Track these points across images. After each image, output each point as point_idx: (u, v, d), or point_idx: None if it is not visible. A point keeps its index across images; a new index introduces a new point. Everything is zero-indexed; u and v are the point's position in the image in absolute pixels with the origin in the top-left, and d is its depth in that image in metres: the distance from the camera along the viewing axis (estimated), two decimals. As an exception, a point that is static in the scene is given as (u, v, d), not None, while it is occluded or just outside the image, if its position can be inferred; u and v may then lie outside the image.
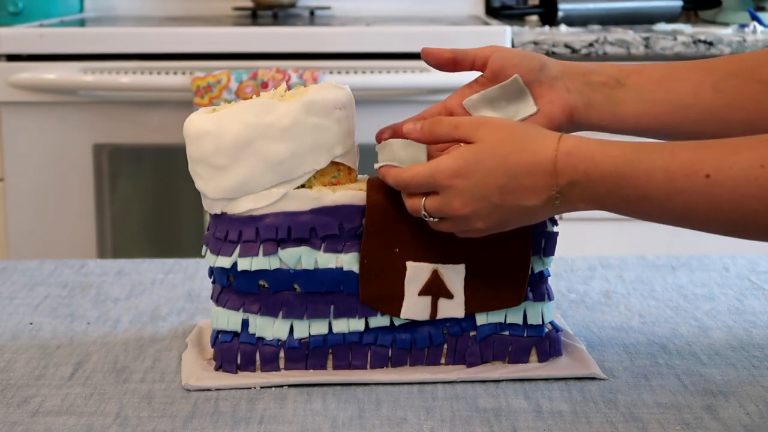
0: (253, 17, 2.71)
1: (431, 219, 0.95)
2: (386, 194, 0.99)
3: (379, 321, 1.02)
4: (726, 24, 2.62)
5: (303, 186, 1.00)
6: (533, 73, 1.01)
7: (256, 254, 0.99)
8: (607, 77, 1.02)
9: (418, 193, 0.96)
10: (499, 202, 0.92)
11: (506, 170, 0.92)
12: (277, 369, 1.02)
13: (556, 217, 1.01)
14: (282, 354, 1.02)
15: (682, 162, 0.87)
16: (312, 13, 2.74)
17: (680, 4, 2.62)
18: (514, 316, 1.03)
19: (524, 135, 0.93)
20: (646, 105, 1.02)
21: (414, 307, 1.01)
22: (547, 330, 1.04)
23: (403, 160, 0.98)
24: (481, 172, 0.92)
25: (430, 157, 0.99)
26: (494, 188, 0.92)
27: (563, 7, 2.54)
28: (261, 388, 1.00)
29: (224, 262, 1.00)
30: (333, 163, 1.01)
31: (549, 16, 2.59)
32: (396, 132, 1.02)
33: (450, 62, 1.03)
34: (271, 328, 1.01)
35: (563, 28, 2.49)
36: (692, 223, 0.89)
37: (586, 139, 0.92)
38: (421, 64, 2.24)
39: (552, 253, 1.03)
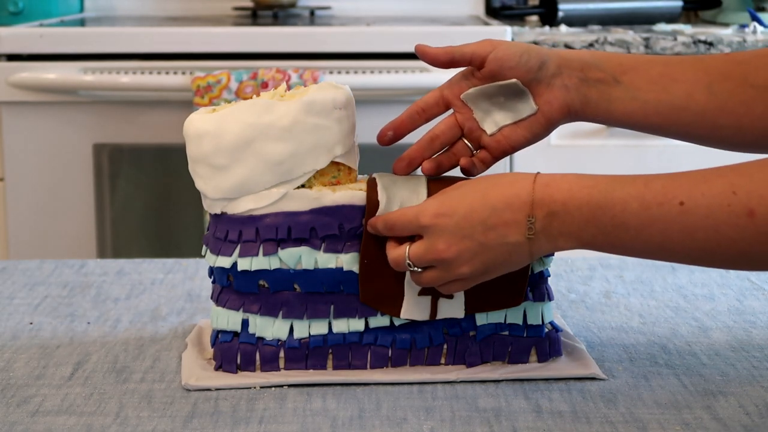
0: (253, 17, 2.71)
1: (416, 269, 0.96)
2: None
3: (379, 321, 1.02)
4: (726, 24, 2.62)
5: (303, 186, 1.01)
6: (532, 73, 1.01)
7: (256, 254, 0.99)
8: (605, 74, 1.02)
9: (403, 243, 0.97)
10: (482, 239, 0.93)
11: (486, 203, 0.93)
12: (277, 369, 1.02)
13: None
14: (282, 354, 1.02)
15: (656, 191, 0.88)
16: (312, 13, 2.74)
17: (680, 4, 2.62)
18: (514, 316, 1.03)
19: (502, 173, 0.96)
20: (639, 104, 1.02)
21: (414, 307, 1.01)
22: (546, 330, 1.04)
23: (403, 194, 0.99)
24: (463, 207, 0.94)
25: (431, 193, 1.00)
26: (477, 224, 0.93)
27: (563, 7, 2.54)
28: (261, 388, 1.00)
29: (224, 262, 1.00)
30: (333, 163, 1.01)
31: (549, 16, 2.59)
32: (397, 131, 1.02)
33: (446, 63, 1.03)
34: (271, 328, 1.01)
35: (563, 28, 2.49)
36: (669, 253, 0.90)
37: (561, 174, 0.93)
38: (422, 64, 2.24)
39: (552, 254, 1.03)
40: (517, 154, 2.36)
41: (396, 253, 0.97)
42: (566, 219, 0.91)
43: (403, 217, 0.96)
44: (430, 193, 0.99)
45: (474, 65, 1.03)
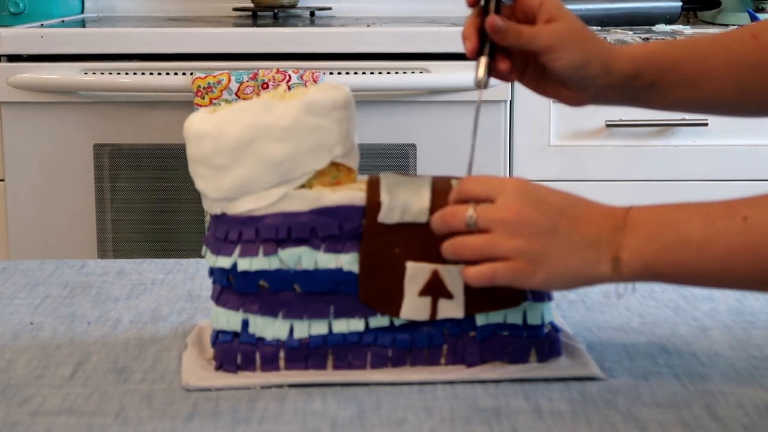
0: (254, 18, 2.71)
1: (471, 226, 0.94)
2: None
3: (379, 321, 1.02)
4: (726, 25, 2.62)
5: (303, 186, 1.01)
6: (574, 78, 1.04)
7: (256, 254, 0.99)
8: (643, 81, 1.05)
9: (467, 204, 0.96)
10: (555, 221, 0.92)
11: (567, 196, 0.94)
12: (277, 369, 1.02)
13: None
14: (282, 354, 1.02)
15: (720, 207, 0.90)
16: (312, 13, 2.74)
17: (680, 5, 2.62)
18: (513, 317, 1.03)
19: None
20: (668, 103, 1.06)
21: (414, 307, 1.01)
22: (546, 330, 1.04)
23: (406, 195, 0.99)
24: (545, 189, 0.95)
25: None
26: (556, 206, 0.93)
27: (563, 8, 2.54)
28: (261, 388, 1.00)
29: (224, 262, 1.00)
30: (333, 164, 1.02)
31: (549, 16, 2.58)
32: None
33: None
34: (271, 328, 1.01)
35: (563, 28, 2.49)
36: (732, 272, 0.89)
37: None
38: (421, 64, 2.24)
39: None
40: (517, 154, 2.36)
41: (459, 208, 0.95)
42: (633, 234, 0.91)
43: (481, 178, 0.95)
44: (433, 195, 0.99)
45: (529, 48, 1.03)
